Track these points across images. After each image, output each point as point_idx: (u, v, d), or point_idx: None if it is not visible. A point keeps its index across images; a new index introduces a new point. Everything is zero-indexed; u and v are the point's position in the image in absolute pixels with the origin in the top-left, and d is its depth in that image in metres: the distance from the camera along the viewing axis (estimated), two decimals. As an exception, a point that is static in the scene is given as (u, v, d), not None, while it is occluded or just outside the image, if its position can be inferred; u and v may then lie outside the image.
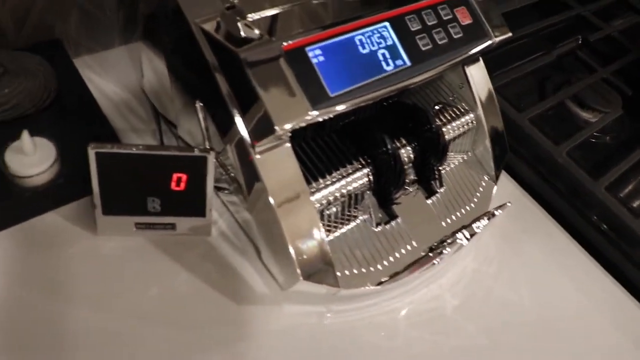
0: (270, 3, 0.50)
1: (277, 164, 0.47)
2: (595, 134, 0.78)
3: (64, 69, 0.63)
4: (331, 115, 0.46)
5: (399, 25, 0.51)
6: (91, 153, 0.48)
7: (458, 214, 0.59)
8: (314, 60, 0.45)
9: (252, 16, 0.48)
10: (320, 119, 0.45)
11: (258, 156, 0.46)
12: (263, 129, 0.44)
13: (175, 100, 0.55)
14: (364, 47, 0.48)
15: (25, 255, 0.51)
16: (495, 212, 0.58)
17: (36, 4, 0.62)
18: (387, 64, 0.49)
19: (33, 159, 0.52)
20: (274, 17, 0.48)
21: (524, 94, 0.83)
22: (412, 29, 0.51)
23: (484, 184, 0.62)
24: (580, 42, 0.92)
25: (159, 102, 0.61)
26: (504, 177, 0.69)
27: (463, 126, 0.61)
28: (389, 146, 0.53)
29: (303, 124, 0.44)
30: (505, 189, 0.68)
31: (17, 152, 0.52)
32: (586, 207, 0.66)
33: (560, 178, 0.68)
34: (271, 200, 0.46)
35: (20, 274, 0.50)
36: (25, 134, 0.52)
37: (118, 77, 0.68)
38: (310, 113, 0.44)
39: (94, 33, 0.69)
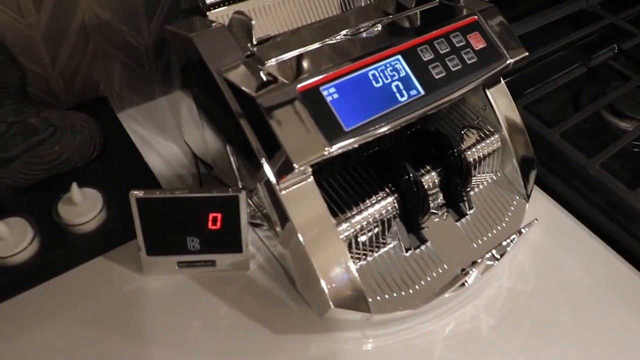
0: (288, 48, 0.53)
1: (302, 198, 0.50)
2: (636, 142, 0.77)
3: (109, 123, 0.68)
4: (349, 149, 0.48)
5: (411, 56, 0.53)
6: (132, 199, 0.52)
7: (489, 234, 0.59)
8: (329, 99, 0.48)
9: (271, 62, 0.51)
10: (337, 153, 0.47)
11: (283, 192, 0.49)
12: (285, 167, 0.47)
13: (208, 144, 0.59)
14: (377, 81, 0.51)
15: (79, 298, 0.55)
16: (523, 230, 0.58)
17: (82, 65, 0.68)
18: (402, 95, 0.51)
19: (82, 208, 0.57)
20: (290, 60, 0.52)
21: (559, 108, 0.83)
22: (425, 59, 0.53)
23: (515, 202, 0.63)
24: (616, 51, 0.91)
25: (196, 146, 0.65)
26: (539, 194, 0.69)
27: (488, 147, 0.62)
28: (410, 174, 0.55)
29: (321, 159, 0.47)
30: (541, 205, 0.68)
31: (68, 203, 0.57)
32: (625, 218, 0.65)
33: (595, 191, 0.67)
34: (299, 235, 0.49)
35: (75, 315, 0.54)
36: (74, 186, 0.56)
37: (159, 126, 0.73)
38: (326, 148, 0.46)
39: (136, 87, 0.75)
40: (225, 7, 0.58)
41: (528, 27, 0.92)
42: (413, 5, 0.61)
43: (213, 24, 0.54)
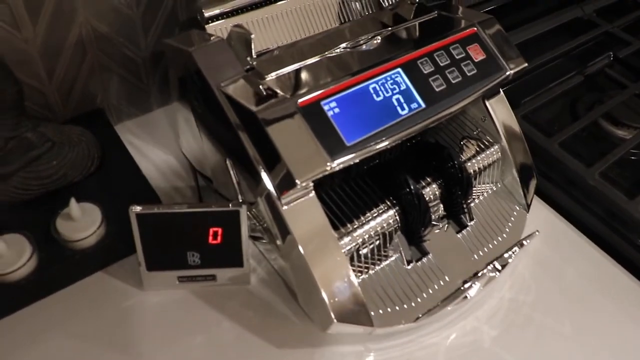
0: (287, 61, 0.53)
1: (304, 213, 0.49)
2: (634, 151, 0.77)
3: (107, 136, 0.67)
4: (350, 164, 0.48)
5: (411, 69, 0.53)
6: (132, 215, 0.51)
7: (490, 245, 0.59)
8: (330, 113, 0.48)
9: (271, 75, 0.51)
10: (339, 168, 0.47)
11: (285, 207, 0.49)
12: (286, 182, 0.46)
13: (208, 157, 0.59)
14: (378, 95, 0.51)
15: (78, 314, 0.55)
16: (524, 242, 0.58)
17: (79, 78, 0.68)
18: (402, 109, 0.51)
19: (81, 223, 0.57)
20: (290, 74, 0.51)
21: (557, 116, 0.83)
22: (425, 72, 0.53)
23: (515, 213, 0.63)
24: (611, 58, 0.92)
25: (195, 159, 0.65)
26: (539, 204, 0.69)
27: (488, 158, 0.62)
28: (412, 186, 0.55)
29: (323, 175, 0.46)
30: (541, 215, 0.68)
31: (66, 218, 0.57)
32: (624, 227, 0.65)
33: (595, 200, 0.67)
34: (300, 248, 0.48)
35: (75, 331, 0.54)
36: (72, 202, 0.56)
37: (157, 138, 0.73)
38: (328, 164, 0.46)
39: (133, 99, 0.74)
40: (224, 20, 0.57)
41: (525, 35, 0.92)
42: (411, 17, 0.61)
43: (212, 38, 0.54)
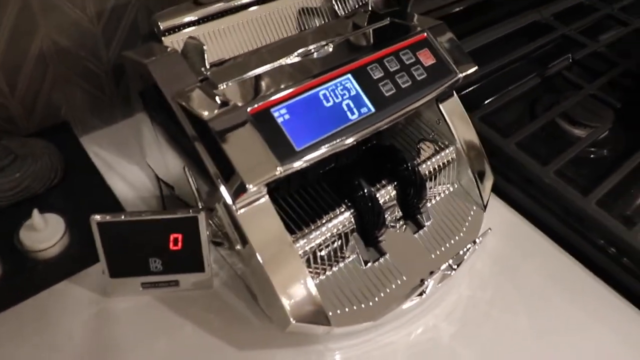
0: (241, 70, 0.54)
1: (259, 217, 0.51)
2: (591, 149, 0.80)
3: (71, 148, 0.69)
4: (300, 168, 0.49)
5: (361, 75, 0.55)
6: (93, 224, 0.52)
7: (447, 244, 0.61)
8: (280, 120, 0.49)
9: (224, 85, 0.52)
10: (290, 172, 0.48)
11: (240, 212, 0.50)
12: (239, 187, 0.48)
13: (169, 166, 0.60)
14: (328, 101, 0.52)
15: (44, 323, 0.55)
16: (477, 240, 0.59)
17: (42, 92, 0.69)
18: (352, 113, 0.53)
19: (44, 234, 0.58)
20: (243, 83, 0.53)
21: (518, 117, 0.85)
22: (375, 77, 0.55)
23: (472, 212, 0.64)
24: (570, 61, 0.94)
25: (158, 168, 0.66)
26: (498, 203, 0.71)
27: (443, 160, 0.64)
28: (365, 189, 0.56)
29: (274, 179, 0.48)
30: (498, 214, 0.69)
31: (30, 229, 0.58)
32: (580, 223, 0.67)
33: (551, 198, 0.69)
34: (257, 252, 0.50)
35: (40, 340, 0.54)
36: (35, 212, 0.57)
37: (122, 149, 0.74)
38: (278, 168, 0.48)
39: (97, 111, 0.75)
40: (180, 33, 0.58)
41: (485, 39, 0.94)
42: (365, 25, 0.62)
43: (168, 49, 0.55)
